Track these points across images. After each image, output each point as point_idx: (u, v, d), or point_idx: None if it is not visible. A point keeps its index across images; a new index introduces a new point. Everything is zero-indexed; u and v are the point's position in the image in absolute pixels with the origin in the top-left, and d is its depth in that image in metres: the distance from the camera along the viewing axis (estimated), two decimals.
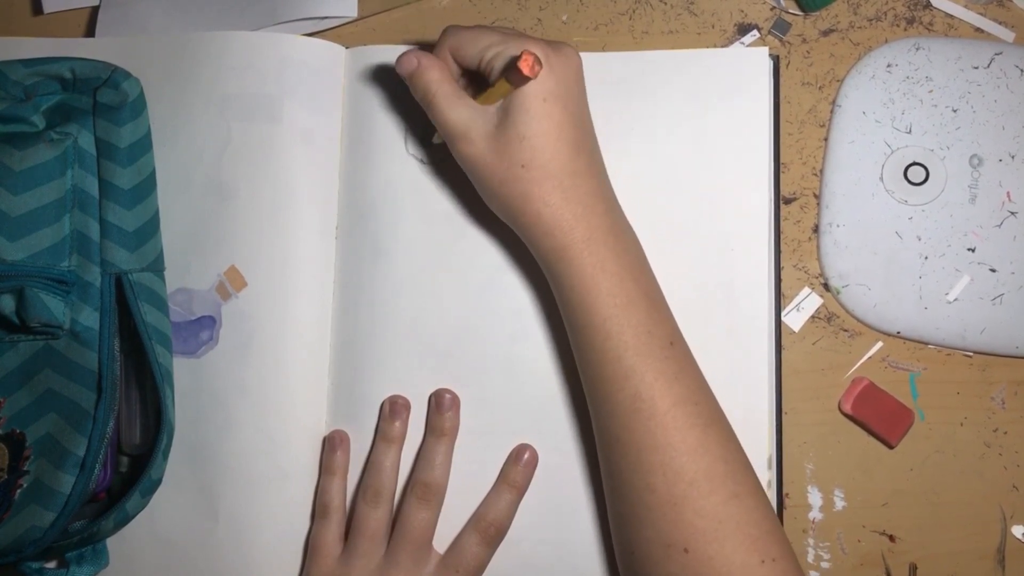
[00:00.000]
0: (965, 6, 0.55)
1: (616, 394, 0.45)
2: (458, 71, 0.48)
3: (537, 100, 0.44)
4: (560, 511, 0.52)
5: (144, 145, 0.52)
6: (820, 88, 0.55)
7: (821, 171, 0.54)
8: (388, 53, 0.55)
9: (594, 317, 0.45)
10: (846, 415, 0.53)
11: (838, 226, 0.53)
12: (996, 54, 0.53)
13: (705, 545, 0.43)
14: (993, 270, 0.52)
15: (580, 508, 0.52)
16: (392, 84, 0.55)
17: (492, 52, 0.45)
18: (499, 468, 0.52)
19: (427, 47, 0.48)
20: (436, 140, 0.52)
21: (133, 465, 0.53)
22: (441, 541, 0.52)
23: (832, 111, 0.54)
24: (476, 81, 0.49)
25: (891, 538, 0.52)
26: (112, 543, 0.52)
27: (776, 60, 0.54)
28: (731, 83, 0.53)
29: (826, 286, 0.54)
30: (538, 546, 0.52)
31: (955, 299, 0.52)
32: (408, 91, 0.55)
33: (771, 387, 0.52)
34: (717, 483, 0.43)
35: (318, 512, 0.52)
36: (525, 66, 0.42)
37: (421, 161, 0.54)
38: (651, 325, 0.45)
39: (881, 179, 0.53)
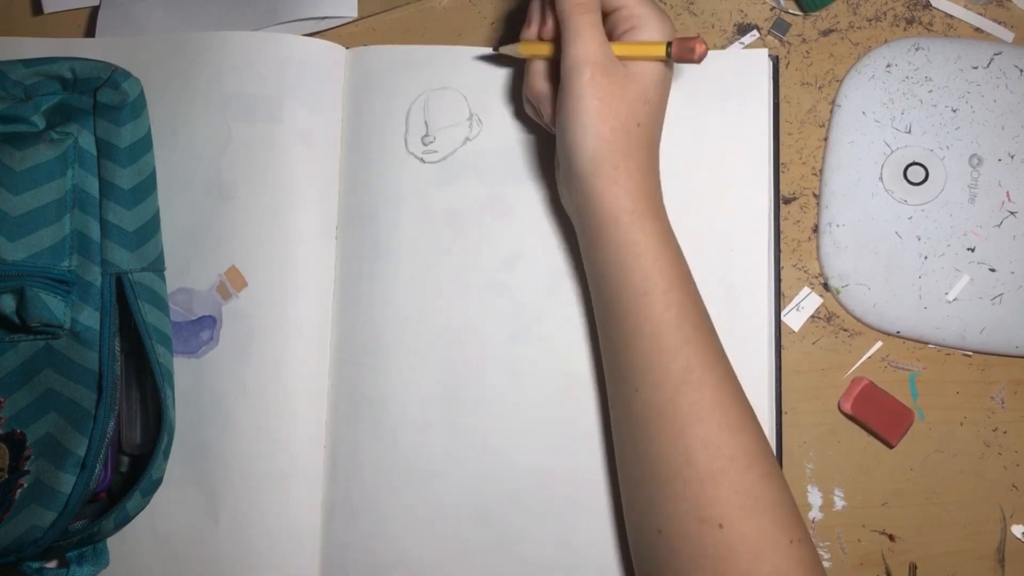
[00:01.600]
0: (965, 6, 0.55)
1: (668, 364, 0.45)
2: None
3: (663, 71, 0.47)
4: (560, 510, 0.52)
5: (144, 145, 0.52)
6: (820, 88, 0.55)
7: (821, 171, 0.54)
8: (388, 53, 0.55)
9: (658, 284, 0.45)
10: (846, 415, 0.53)
11: (838, 226, 0.53)
12: (995, 54, 0.53)
13: (741, 521, 0.43)
14: (993, 270, 0.52)
15: (580, 507, 0.52)
16: (392, 84, 0.55)
17: (639, 9, 0.46)
18: (498, 469, 0.52)
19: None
20: (507, 51, 0.51)
21: (133, 465, 0.53)
22: (447, 545, 0.52)
23: (832, 111, 0.54)
24: None
25: (891, 538, 0.53)
26: (112, 543, 0.52)
27: (776, 60, 0.54)
28: (731, 84, 0.53)
29: (826, 286, 0.54)
30: (538, 546, 0.52)
31: (955, 299, 0.52)
32: (408, 90, 0.55)
33: (771, 387, 0.52)
34: (754, 460, 0.44)
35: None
36: (699, 51, 0.45)
37: (421, 160, 0.54)
38: (701, 302, 0.47)
39: (881, 179, 0.53)
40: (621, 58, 0.46)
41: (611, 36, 0.47)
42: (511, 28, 0.57)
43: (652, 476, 0.45)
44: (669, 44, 0.46)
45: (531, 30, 0.50)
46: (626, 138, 0.46)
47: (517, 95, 0.54)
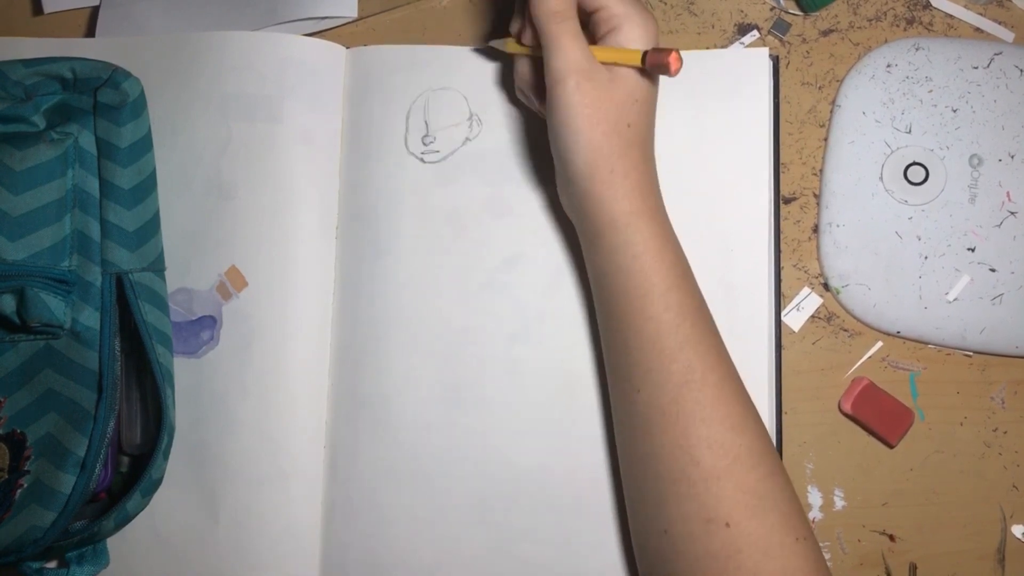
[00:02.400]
0: (965, 6, 0.55)
1: (669, 365, 0.45)
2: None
3: (647, 72, 0.46)
4: (560, 510, 0.52)
5: (144, 145, 0.52)
6: (820, 88, 0.55)
7: (821, 171, 0.54)
8: (388, 53, 0.55)
9: (657, 285, 0.45)
10: (846, 415, 0.53)
11: (838, 226, 0.53)
12: (996, 54, 0.53)
13: (747, 520, 0.43)
14: (993, 270, 0.52)
15: (581, 507, 0.52)
16: (392, 84, 0.55)
17: (618, 8, 0.46)
18: (498, 469, 0.52)
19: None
20: (497, 44, 0.52)
21: (134, 465, 0.53)
22: (447, 545, 0.52)
23: (832, 111, 0.54)
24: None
25: (891, 538, 0.53)
26: (112, 543, 0.52)
27: (776, 60, 0.54)
28: (731, 83, 0.53)
29: (826, 286, 0.54)
30: (538, 546, 0.52)
31: (955, 299, 0.52)
32: (408, 90, 0.55)
33: (771, 387, 0.52)
34: (758, 459, 0.44)
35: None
36: (674, 66, 0.44)
37: (421, 160, 0.54)
38: (701, 300, 0.46)
39: (881, 179, 0.53)
40: (601, 62, 0.46)
41: (593, 38, 0.47)
42: (506, 23, 0.57)
43: (656, 476, 0.45)
44: (645, 54, 0.45)
45: (516, 26, 0.50)
46: (619, 140, 0.46)
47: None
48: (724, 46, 0.55)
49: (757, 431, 0.45)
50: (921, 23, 0.55)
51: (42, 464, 0.47)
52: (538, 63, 0.49)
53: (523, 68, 0.50)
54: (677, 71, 0.44)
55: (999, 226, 0.52)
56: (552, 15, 0.46)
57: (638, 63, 0.45)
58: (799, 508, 0.44)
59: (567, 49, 0.45)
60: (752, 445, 0.44)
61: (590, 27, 0.47)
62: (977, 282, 0.52)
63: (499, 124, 0.54)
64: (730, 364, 0.46)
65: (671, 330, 0.45)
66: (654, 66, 0.45)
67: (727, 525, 0.43)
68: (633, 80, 0.46)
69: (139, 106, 0.51)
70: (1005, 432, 0.53)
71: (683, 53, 0.53)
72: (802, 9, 0.55)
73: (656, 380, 0.45)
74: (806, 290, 0.54)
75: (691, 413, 0.44)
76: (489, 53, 0.55)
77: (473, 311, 0.53)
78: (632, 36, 0.46)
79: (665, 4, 0.56)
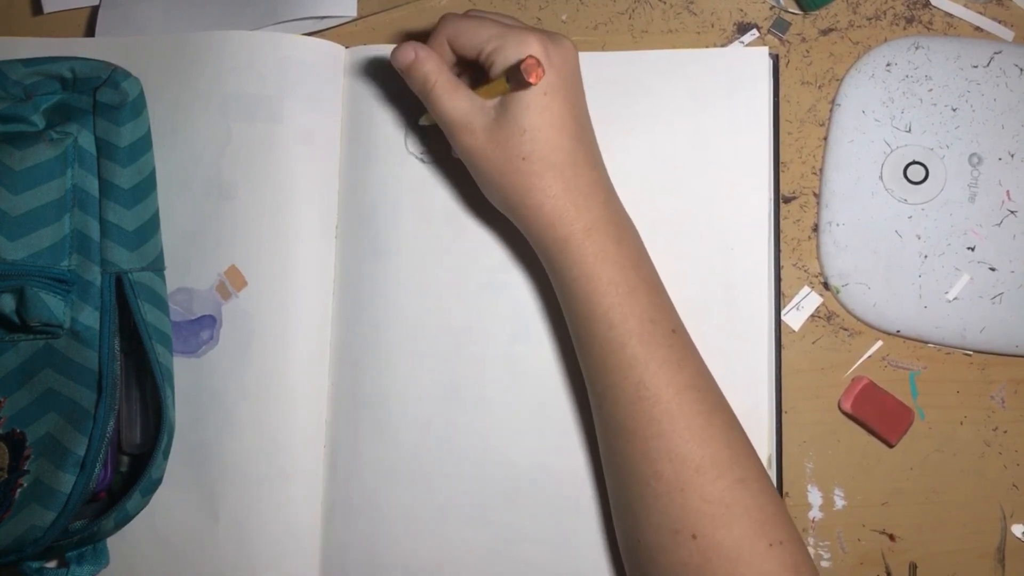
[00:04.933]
0: (964, 5, 0.55)
1: (620, 383, 0.45)
2: (454, 59, 0.48)
3: (537, 94, 0.44)
4: (560, 510, 0.52)
5: (144, 145, 0.52)
6: (819, 87, 0.55)
7: (821, 170, 0.54)
8: (388, 53, 0.55)
9: (596, 307, 0.45)
10: (846, 414, 0.53)
11: (838, 225, 0.53)
12: (995, 53, 0.53)
13: (713, 530, 0.43)
14: (993, 269, 0.52)
15: (580, 507, 0.52)
16: (392, 84, 0.55)
17: (492, 46, 0.45)
18: (498, 469, 0.52)
19: (424, 41, 0.48)
20: (424, 122, 0.52)
21: (133, 465, 0.53)
22: (446, 545, 0.51)
23: (831, 110, 0.54)
24: (472, 69, 0.49)
25: (891, 537, 0.53)
26: (112, 543, 0.52)
27: (776, 59, 0.54)
28: (731, 82, 0.53)
29: (826, 285, 0.54)
30: (538, 546, 0.52)
31: (955, 298, 0.52)
32: (408, 90, 0.55)
33: (771, 386, 0.52)
34: (723, 468, 0.43)
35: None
36: (530, 75, 0.42)
37: (421, 160, 0.54)
38: (653, 313, 0.45)
39: (881, 178, 0.53)
40: (488, 98, 0.46)
41: (484, 77, 0.46)
42: None
43: (626, 487, 0.46)
44: (511, 77, 0.43)
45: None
46: (518, 177, 0.45)
47: None
48: (724, 45, 0.55)
49: (725, 439, 0.44)
50: (921, 22, 0.55)
51: (42, 464, 0.47)
52: None
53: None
54: (538, 75, 0.42)
55: (999, 225, 0.52)
56: (421, 86, 0.46)
57: (509, 87, 0.44)
58: (777, 513, 0.44)
59: (441, 109, 0.46)
60: (716, 455, 0.44)
61: (482, 66, 0.46)
62: (977, 281, 0.52)
63: None
64: (692, 372, 0.45)
65: (617, 349, 0.45)
66: (518, 82, 0.43)
67: (693, 536, 0.43)
68: (516, 110, 0.44)
69: (139, 106, 0.51)
70: (1005, 431, 0.53)
71: (682, 52, 0.53)
72: (802, 8, 0.55)
73: (612, 396, 0.45)
74: (806, 289, 0.54)
75: (647, 428, 0.44)
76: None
77: (473, 311, 0.53)
78: (509, 60, 0.44)
79: (665, 4, 0.56)
